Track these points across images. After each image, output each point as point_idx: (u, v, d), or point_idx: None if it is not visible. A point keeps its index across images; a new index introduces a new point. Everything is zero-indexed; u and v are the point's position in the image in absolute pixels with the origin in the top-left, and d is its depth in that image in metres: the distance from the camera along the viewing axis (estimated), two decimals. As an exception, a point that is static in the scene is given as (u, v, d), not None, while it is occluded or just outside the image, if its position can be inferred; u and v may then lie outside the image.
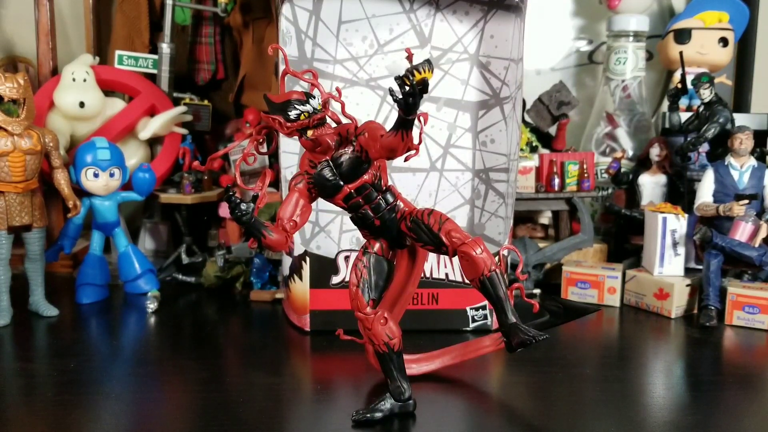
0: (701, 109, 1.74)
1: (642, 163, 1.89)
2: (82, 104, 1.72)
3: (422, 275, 1.15)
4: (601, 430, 1.03)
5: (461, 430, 1.04)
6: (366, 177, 1.00)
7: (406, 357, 1.09)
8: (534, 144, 1.87)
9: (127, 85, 1.85)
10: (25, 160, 1.41)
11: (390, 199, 1.03)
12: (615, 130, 2.04)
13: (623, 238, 1.85)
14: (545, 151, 1.88)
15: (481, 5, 1.33)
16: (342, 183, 1.00)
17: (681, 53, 1.86)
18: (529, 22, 1.40)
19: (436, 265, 1.41)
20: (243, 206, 0.94)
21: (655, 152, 1.83)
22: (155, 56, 1.90)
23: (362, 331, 1.04)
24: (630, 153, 2.00)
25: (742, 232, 1.55)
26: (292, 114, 0.97)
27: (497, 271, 0.95)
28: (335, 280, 1.40)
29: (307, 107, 0.98)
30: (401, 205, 1.04)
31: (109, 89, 1.84)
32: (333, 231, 1.38)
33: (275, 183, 1.57)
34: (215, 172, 1.91)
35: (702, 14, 1.99)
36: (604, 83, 2.08)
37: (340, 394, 1.16)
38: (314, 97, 0.99)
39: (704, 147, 1.73)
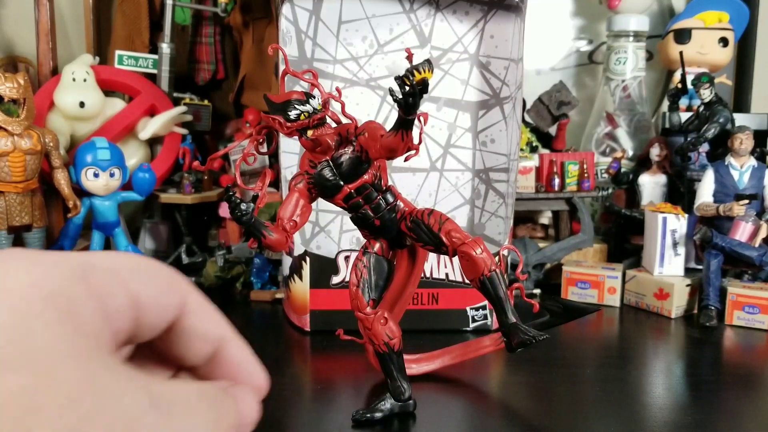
0: (701, 109, 1.73)
1: (642, 163, 1.89)
2: (82, 104, 1.71)
3: (422, 275, 1.15)
4: (601, 430, 1.03)
5: (461, 430, 1.04)
6: (366, 177, 1.00)
7: (406, 357, 1.09)
8: (534, 144, 1.87)
9: (127, 85, 1.85)
10: (25, 160, 1.41)
11: (390, 199, 1.03)
12: (615, 130, 2.04)
13: (623, 238, 1.85)
14: (545, 151, 1.88)
15: (481, 5, 1.33)
16: (342, 183, 1.00)
17: (681, 53, 1.86)
18: (529, 22, 1.40)
19: (436, 265, 1.41)
20: (243, 206, 0.94)
21: (655, 152, 1.83)
22: (155, 56, 1.90)
23: (362, 331, 1.03)
24: (630, 153, 1.99)
25: (742, 232, 1.55)
26: (292, 114, 0.97)
27: (497, 271, 0.95)
28: (335, 280, 1.40)
29: (307, 107, 0.98)
30: (401, 205, 1.04)
31: (109, 89, 1.84)
32: (333, 231, 1.38)
33: (275, 183, 1.57)
34: (215, 172, 1.91)
35: (702, 14, 1.99)
36: (604, 83, 2.08)
37: (340, 394, 1.16)
38: (314, 97, 0.99)
39: (704, 147, 1.73)
